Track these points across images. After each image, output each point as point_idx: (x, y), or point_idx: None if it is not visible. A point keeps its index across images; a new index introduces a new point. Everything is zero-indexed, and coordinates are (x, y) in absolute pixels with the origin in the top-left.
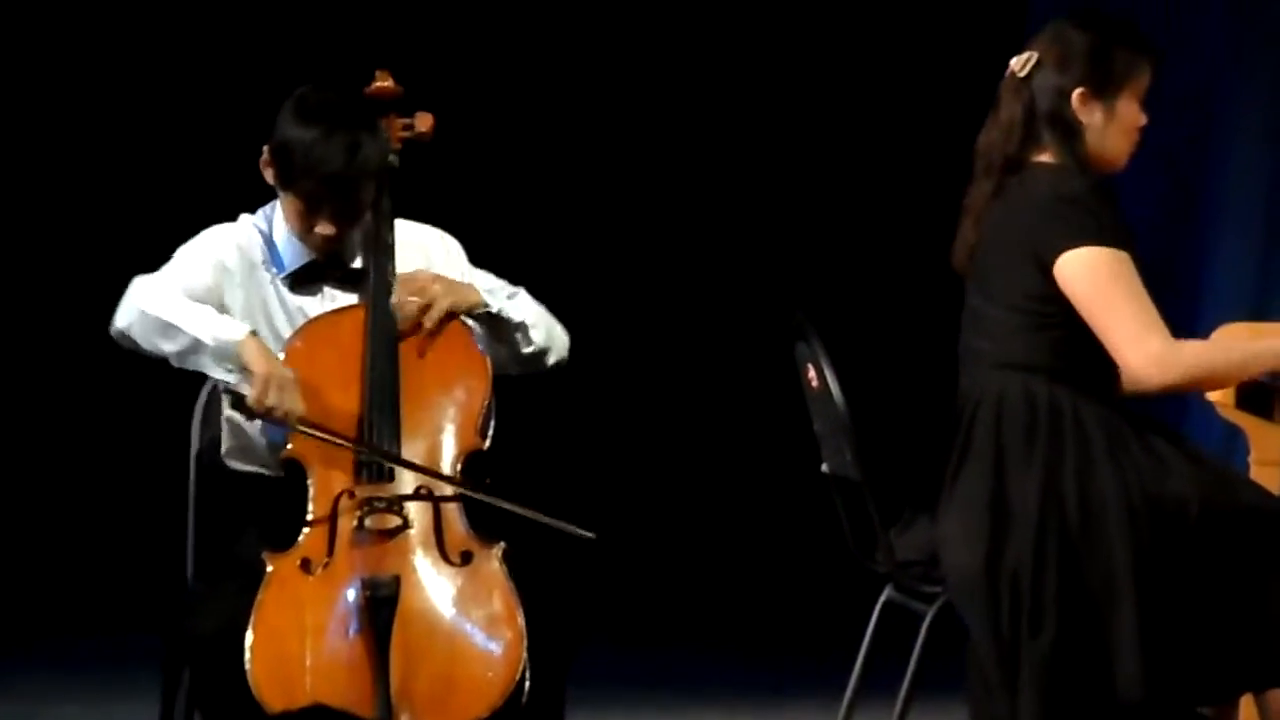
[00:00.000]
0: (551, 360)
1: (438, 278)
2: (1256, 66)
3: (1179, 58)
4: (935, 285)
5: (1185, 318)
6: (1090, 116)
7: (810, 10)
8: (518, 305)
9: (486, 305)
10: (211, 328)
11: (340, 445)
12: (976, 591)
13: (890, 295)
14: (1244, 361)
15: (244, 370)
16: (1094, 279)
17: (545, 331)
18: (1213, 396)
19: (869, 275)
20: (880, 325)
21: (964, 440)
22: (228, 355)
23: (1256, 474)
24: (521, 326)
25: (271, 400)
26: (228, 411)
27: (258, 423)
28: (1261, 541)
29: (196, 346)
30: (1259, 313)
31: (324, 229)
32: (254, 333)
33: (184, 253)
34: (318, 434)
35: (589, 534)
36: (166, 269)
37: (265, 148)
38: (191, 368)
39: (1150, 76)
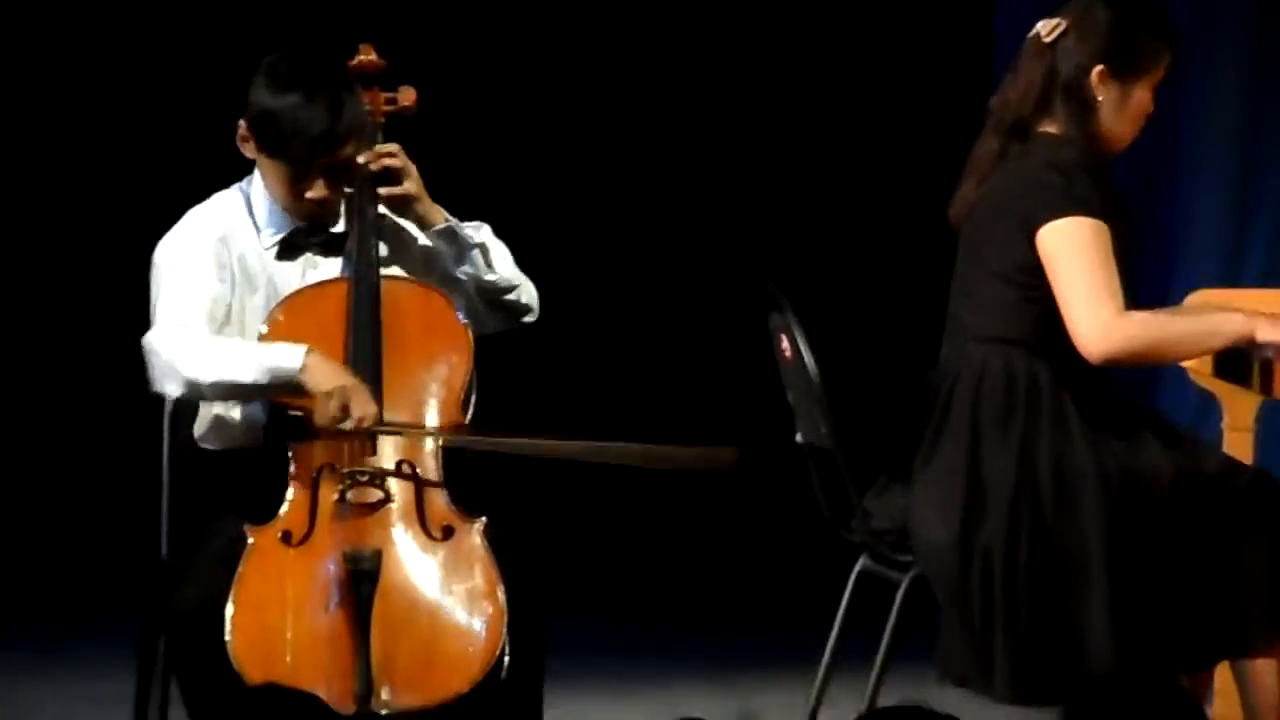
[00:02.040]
0: (523, 300)
1: (417, 176)
2: (1230, 26)
3: None
4: (908, 253)
5: (1158, 283)
6: (1106, 95)
7: None
8: (481, 233)
9: (446, 220)
10: (262, 367)
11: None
12: (947, 565)
13: (862, 264)
14: (1196, 338)
15: (313, 392)
16: (1066, 247)
17: (511, 266)
18: (1188, 364)
19: (841, 244)
20: (852, 294)
21: (941, 413)
22: (292, 385)
23: (1230, 440)
24: (481, 247)
25: (356, 412)
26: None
27: (237, 406)
28: (1233, 512)
29: (265, 390)
30: (1232, 278)
31: (316, 193)
32: (309, 350)
33: (174, 272)
34: (398, 429)
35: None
36: (170, 303)
37: (241, 121)
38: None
39: (1169, 65)
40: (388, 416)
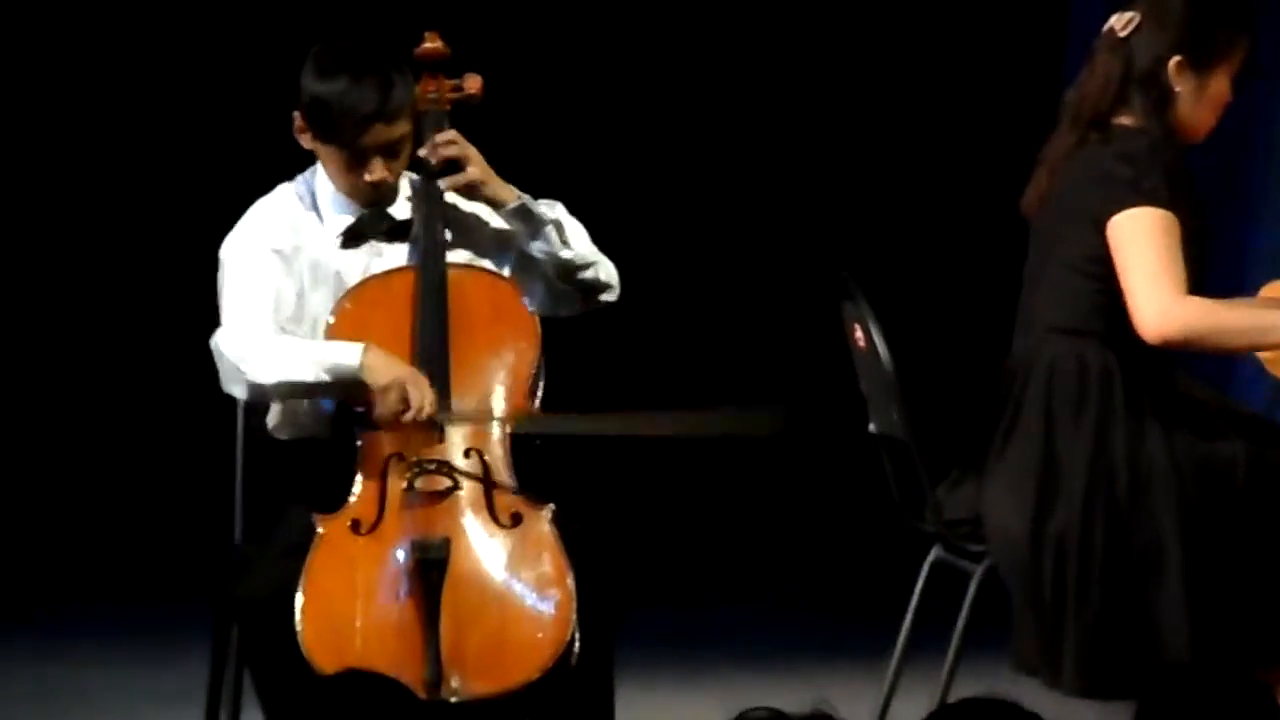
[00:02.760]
0: (602, 277)
1: (480, 157)
2: None
3: None
4: (982, 243)
5: (1231, 279)
6: (1184, 85)
7: None
8: (555, 210)
9: (519, 198)
10: (322, 365)
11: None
12: (1020, 557)
13: (936, 253)
14: (1255, 331)
15: (381, 388)
16: (1132, 236)
17: (587, 243)
18: (1263, 355)
19: (915, 234)
20: (926, 284)
21: (1015, 405)
22: (353, 381)
23: None
24: (556, 224)
25: (415, 403)
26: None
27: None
28: None
29: (329, 388)
30: None
31: (374, 174)
32: (366, 348)
33: (237, 271)
34: (462, 419)
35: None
36: (235, 305)
37: (295, 113)
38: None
39: (1245, 53)
40: (456, 404)
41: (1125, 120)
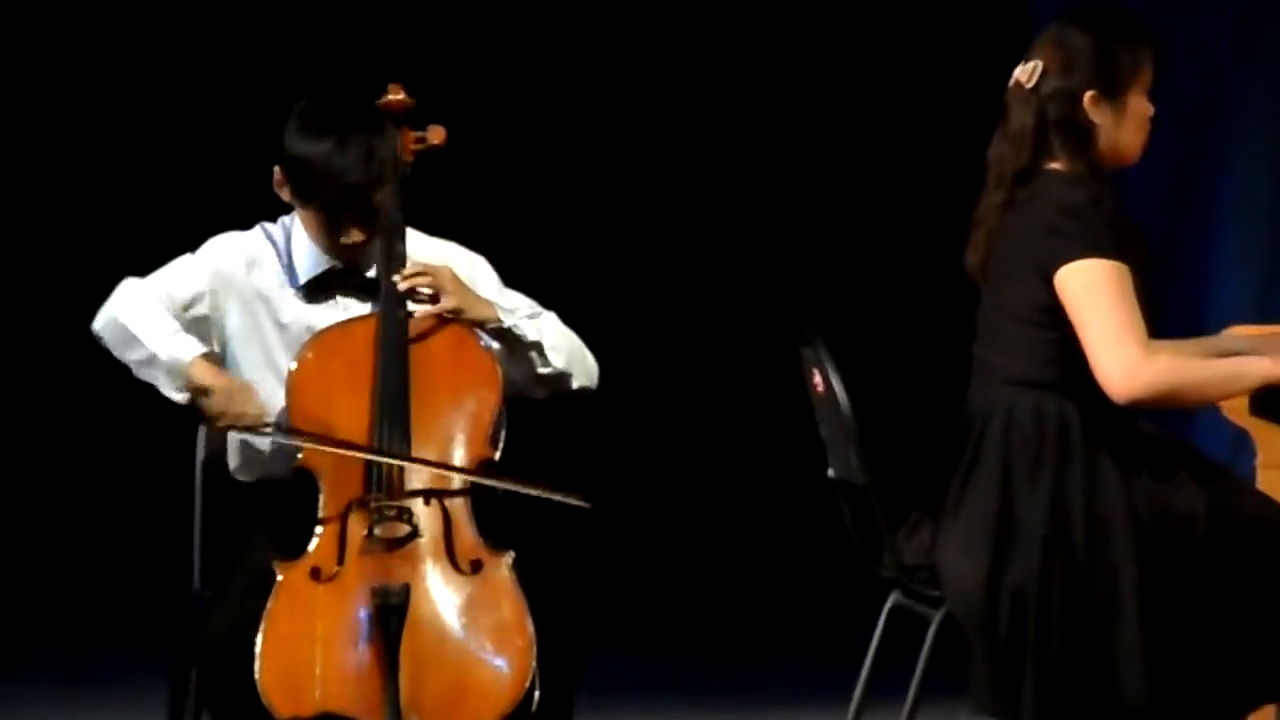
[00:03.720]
0: (575, 385)
1: (456, 279)
2: (1263, 63)
3: (1184, 54)
4: (939, 288)
5: (1191, 318)
6: (1102, 117)
7: (814, 16)
8: (537, 325)
9: (499, 320)
10: (168, 344)
11: (343, 452)
12: (976, 606)
13: (894, 298)
14: (1221, 381)
15: (195, 389)
16: (1085, 289)
17: (567, 355)
18: (1223, 402)
19: (873, 279)
20: (884, 329)
21: (972, 456)
22: (179, 374)
23: (1264, 478)
24: (537, 345)
25: (235, 410)
26: (234, 435)
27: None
28: (1270, 555)
29: (152, 361)
30: (1266, 312)
31: (351, 238)
32: (208, 354)
33: (181, 259)
34: (303, 438)
35: (582, 502)
36: (157, 273)
37: (276, 168)
38: (147, 380)
39: (1153, 65)
40: (416, 451)
41: (1054, 165)
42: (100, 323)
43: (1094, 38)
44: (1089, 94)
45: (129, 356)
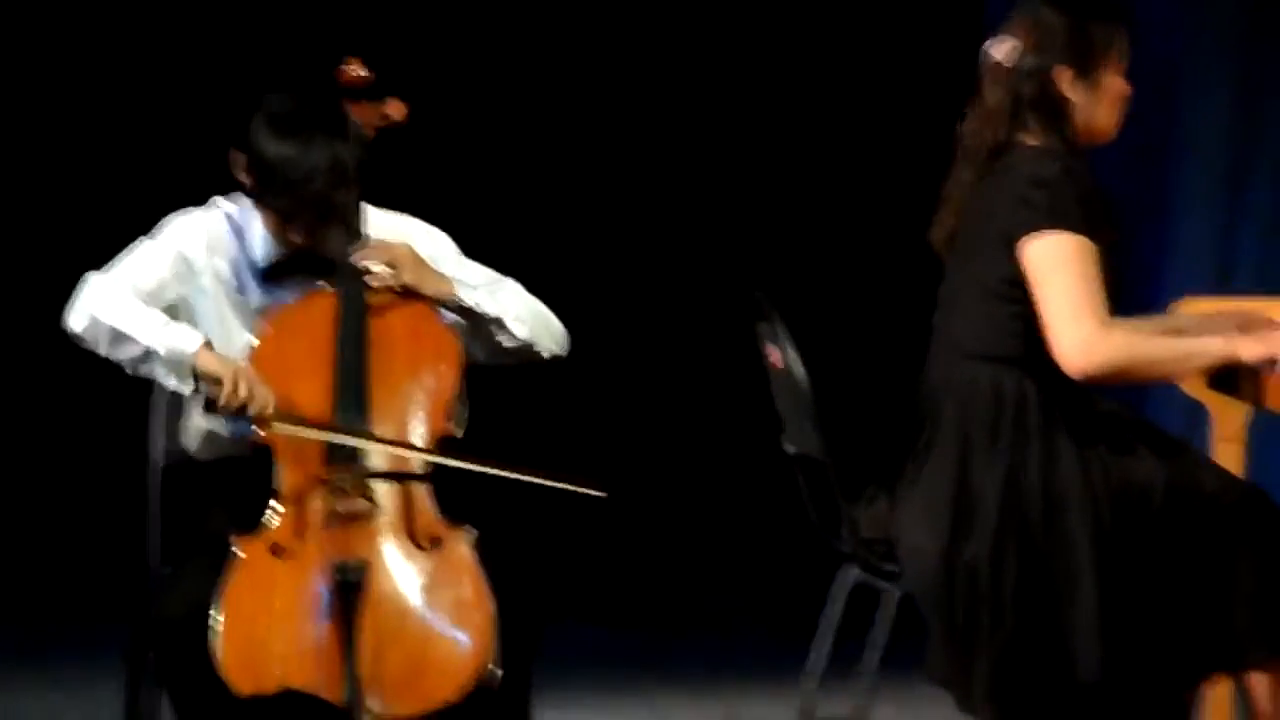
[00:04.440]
0: (544, 354)
1: (414, 255)
2: (1221, 38)
3: (1141, 29)
4: (896, 261)
5: (1147, 291)
6: (1076, 94)
7: None
8: (497, 299)
9: (456, 297)
10: (165, 337)
11: (318, 436)
12: (933, 580)
13: (851, 272)
14: (1178, 359)
15: (201, 379)
16: (1048, 263)
17: (530, 325)
18: None
19: (829, 252)
20: (840, 302)
21: (930, 429)
22: (181, 365)
23: (1219, 451)
24: (498, 321)
25: (243, 394)
26: (197, 420)
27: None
28: (1226, 528)
29: (149, 356)
30: (1221, 286)
31: (299, 236)
32: (208, 342)
33: (142, 245)
34: (296, 429)
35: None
36: (121, 264)
37: (238, 153)
38: (143, 375)
39: (1127, 42)
40: (375, 426)
41: (1028, 139)
42: (79, 324)
43: (1068, 16)
44: (1063, 71)
45: (120, 355)
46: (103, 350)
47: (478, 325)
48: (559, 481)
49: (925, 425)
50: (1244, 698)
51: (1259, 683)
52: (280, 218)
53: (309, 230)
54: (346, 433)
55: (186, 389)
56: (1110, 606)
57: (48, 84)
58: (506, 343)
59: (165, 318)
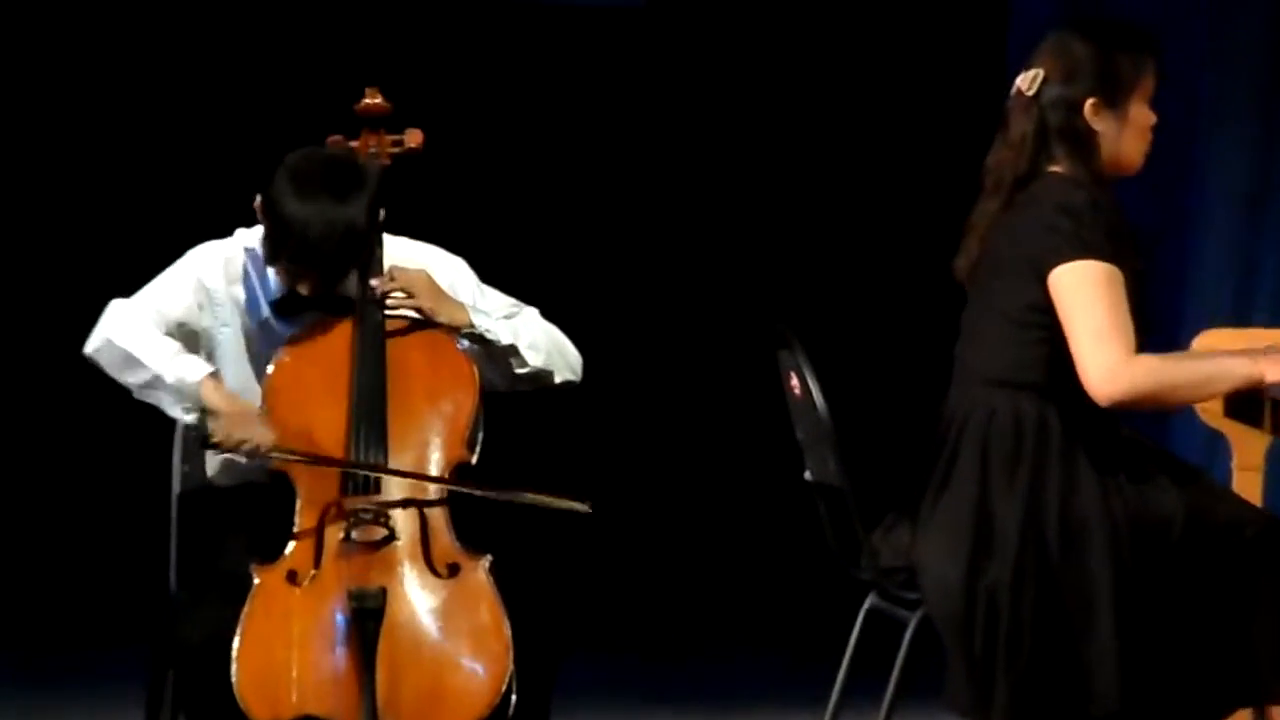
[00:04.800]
0: (557, 379)
1: (431, 283)
2: (1240, 66)
3: (1164, 58)
4: (917, 291)
5: (1168, 323)
6: (1104, 125)
7: (794, 21)
8: (513, 326)
9: (471, 325)
10: (173, 365)
11: (322, 464)
12: (954, 607)
13: (871, 302)
14: (1204, 382)
15: (203, 410)
16: (1077, 290)
17: (545, 353)
18: (1198, 404)
19: (850, 282)
20: (862, 332)
21: (950, 457)
22: (186, 394)
23: (1238, 479)
24: (512, 349)
25: (238, 436)
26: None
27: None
28: (1245, 560)
29: (156, 382)
30: (1242, 317)
31: (306, 288)
32: (215, 373)
33: (165, 274)
34: (296, 458)
35: (585, 506)
36: (144, 292)
37: (259, 197)
38: (150, 402)
39: (1155, 74)
40: (392, 454)
41: (1055, 169)
42: (94, 346)
43: (1096, 46)
44: (1090, 102)
45: (129, 379)
46: (113, 373)
47: (492, 353)
48: (543, 496)
49: (945, 452)
50: None
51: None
52: (289, 278)
53: (313, 286)
54: (354, 466)
55: (190, 419)
56: (1129, 637)
57: (76, 114)
58: (519, 369)
59: (178, 346)
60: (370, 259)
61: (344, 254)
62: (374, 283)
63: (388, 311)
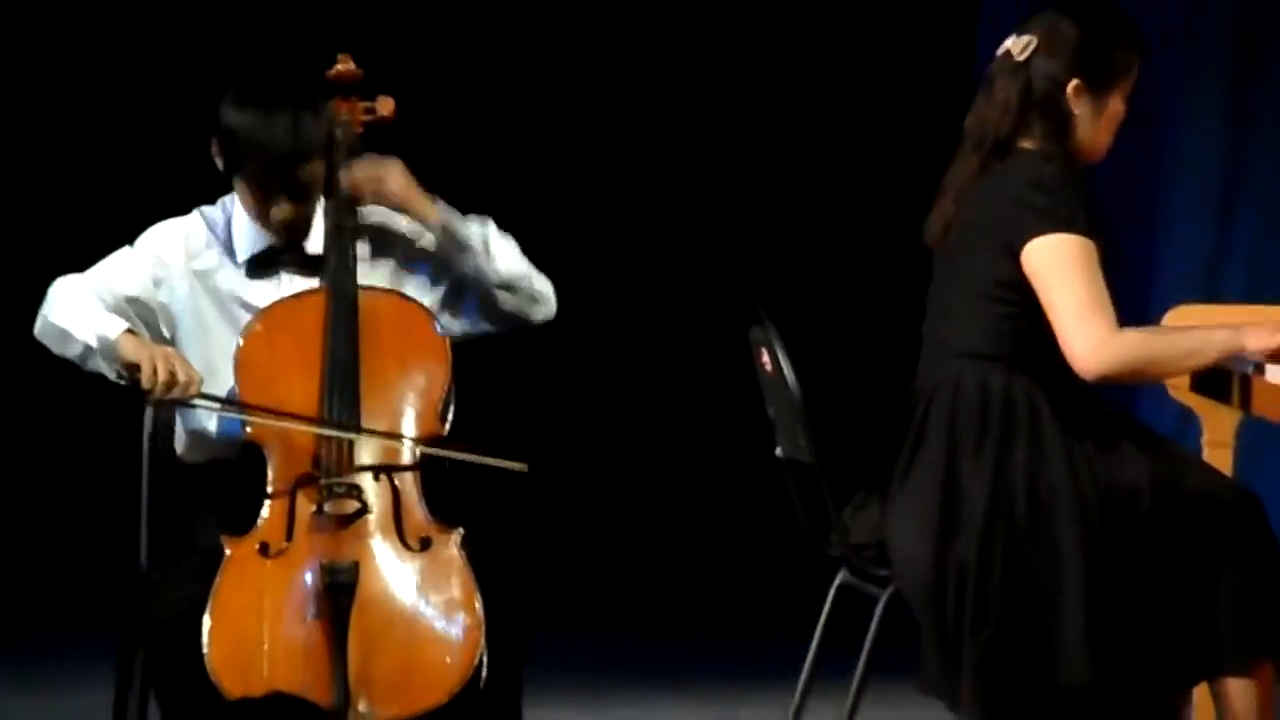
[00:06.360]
0: (535, 288)
1: (404, 172)
2: (1209, 43)
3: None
4: (888, 267)
5: (1138, 298)
6: (1082, 108)
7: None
8: (483, 226)
9: (441, 216)
10: (94, 328)
11: (288, 424)
12: (924, 580)
13: (844, 278)
14: (1187, 353)
15: (126, 365)
16: (1055, 264)
17: (514, 259)
18: (1167, 380)
19: (822, 259)
20: (833, 309)
21: (918, 429)
22: (110, 354)
23: (1209, 455)
24: (481, 237)
25: (163, 375)
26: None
27: (213, 417)
28: (1214, 530)
29: (89, 351)
30: (1213, 293)
31: (280, 212)
32: (130, 330)
33: (119, 252)
34: (259, 418)
35: (521, 466)
36: (94, 268)
37: (213, 139)
38: (95, 371)
39: (1138, 71)
40: (366, 424)
41: (1026, 144)
42: (38, 327)
43: (1090, 30)
44: (1074, 83)
45: (69, 353)
46: (56, 349)
47: (463, 251)
48: (482, 456)
49: (913, 425)
50: (1219, 704)
51: (1237, 689)
52: (251, 189)
53: (286, 200)
54: (323, 424)
55: (120, 379)
56: (1097, 609)
57: (38, 96)
58: (491, 270)
59: (102, 309)
60: (344, 217)
61: (297, 151)
62: (344, 175)
63: (362, 209)
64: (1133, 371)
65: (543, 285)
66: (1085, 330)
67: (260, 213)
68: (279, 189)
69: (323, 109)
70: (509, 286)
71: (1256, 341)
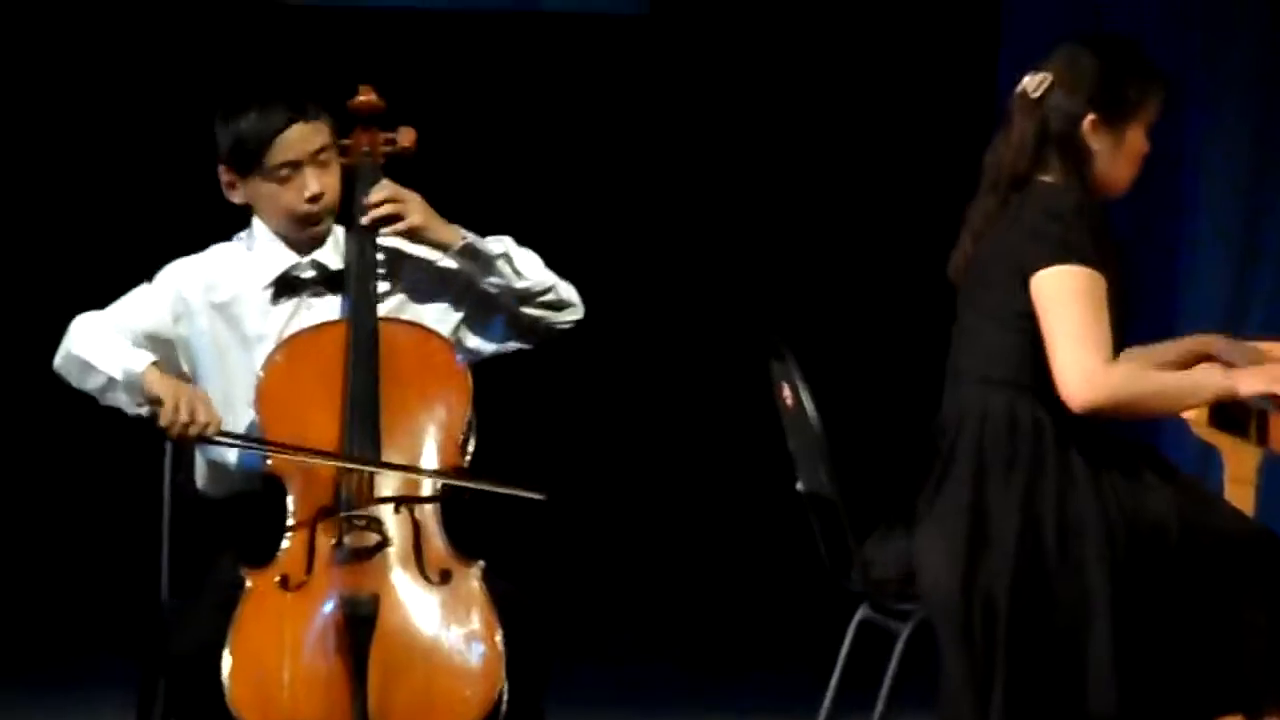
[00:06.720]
0: (562, 294)
1: (423, 202)
2: (1232, 75)
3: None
4: (909, 302)
5: (1159, 332)
6: (1100, 143)
7: (787, 27)
8: (502, 243)
9: (464, 237)
10: (119, 361)
11: (306, 459)
12: (952, 608)
13: (865, 313)
14: (1178, 393)
15: (150, 400)
16: (1057, 294)
17: (539, 268)
18: (1186, 415)
19: (843, 293)
20: (854, 344)
21: (946, 458)
22: (135, 387)
23: (1231, 492)
24: (504, 256)
25: (184, 415)
26: (202, 455)
27: (233, 452)
28: (1238, 566)
29: (111, 384)
30: (1233, 327)
31: (310, 188)
32: (155, 363)
33: (138, 289)
34: (282, 452)
35: (539, 495)
36: (114, 305)
37: (220, 169)
38: (112, 405)
39: (1159, 104)
40: (386, 457)
41: (1046, 178)
42: (58, 361)
43: (1105, 64)
44: (1090, 118)
45: (89, 385)
46: (76, 383)
47: (488, 267)
48: (501, 486)
49: (941, 452)
50: None
51: None
52: (274, 183)
53: (312, 174)
54: (344, 460)
55: (142, 411)
56: (1124, 641)
57: (57, 137)
58: (517, 282)
59: (126, 343)
60: (365, 245)
61: (298, 111)
62: (365, 200)
63: (381, 236)
64: (1119, 407)
65: (568, 291)
66: (1077, 361)
67: (288, 203)
68: (299, 162)
69: (327, 121)
70: (537, 295)
71: (1249, 385)
